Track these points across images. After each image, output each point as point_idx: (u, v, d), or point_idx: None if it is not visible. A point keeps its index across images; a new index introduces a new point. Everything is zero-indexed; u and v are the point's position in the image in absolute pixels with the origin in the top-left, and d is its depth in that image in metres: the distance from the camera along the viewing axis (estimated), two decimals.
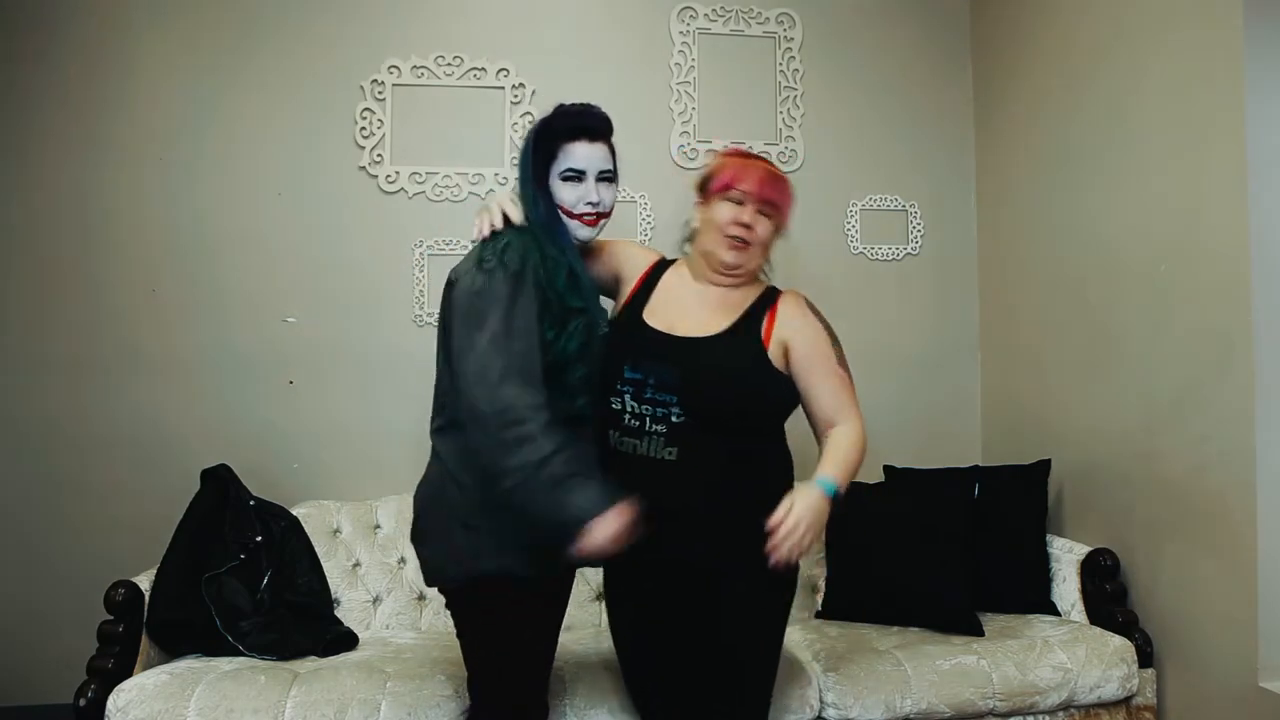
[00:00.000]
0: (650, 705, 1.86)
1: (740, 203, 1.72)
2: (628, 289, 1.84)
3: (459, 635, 1.70)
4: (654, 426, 1.66)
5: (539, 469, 1.44)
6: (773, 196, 1.73)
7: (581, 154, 1.64)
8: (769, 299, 1.78)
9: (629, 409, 1.68)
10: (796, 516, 1.54)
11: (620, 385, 1.69)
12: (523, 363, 1.49)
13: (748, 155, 1.84)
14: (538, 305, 1.54)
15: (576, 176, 1.64)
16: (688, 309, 1.76)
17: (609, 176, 1.68)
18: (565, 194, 1.64)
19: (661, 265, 1.87)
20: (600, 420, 1.70)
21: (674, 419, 1.65)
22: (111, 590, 2.19)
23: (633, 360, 1.68)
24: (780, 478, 1.75)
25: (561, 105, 1.68)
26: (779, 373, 1.72)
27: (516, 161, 1.72)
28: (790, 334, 1.73)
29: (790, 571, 1.70)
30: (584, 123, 1.66)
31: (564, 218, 1.65)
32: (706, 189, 1.78)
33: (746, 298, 1.78)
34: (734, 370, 1.69)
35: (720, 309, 1.76)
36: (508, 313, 1.50)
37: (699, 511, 1.66)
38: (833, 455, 1.69)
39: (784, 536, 1.54)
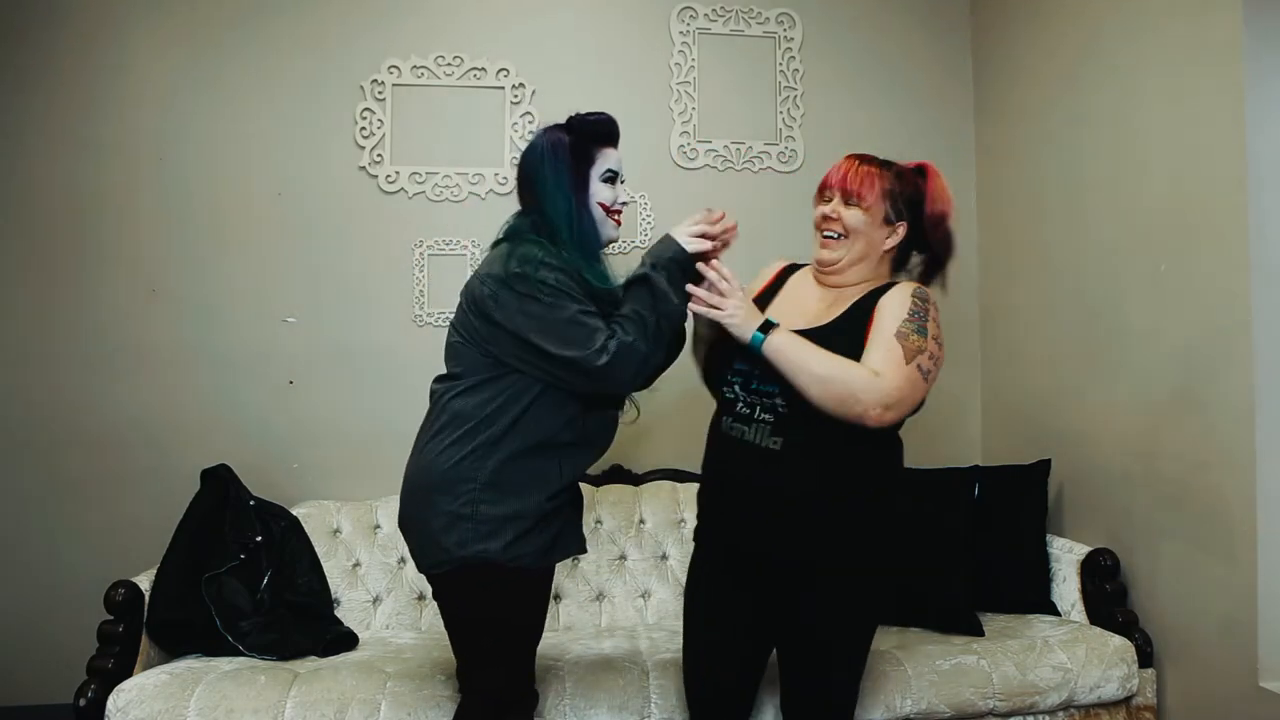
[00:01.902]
0: (711, 688, 1.86)
1: (828, 200, 1.77)
2: (751, 294, 1.85)
3: (446, 623, 1.74)
4: (762, 415, 1.69)
5: (652, 324, 1.66)
6: (851, 185, 1.74)
7: (614, 157, 1.78)
8: (883, 291, 1.72)
9: (740, 398, 1.72)
10: (730, 293, 1.65)
11: (731, 376, 1.74)
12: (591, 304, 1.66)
13: (859, 157, 1.84)
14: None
15: (614, 178, 1.78)
16: (804, 306, 1.79)
17: (623, 179, 1.83)
18: (605, 194, 1.76)
19: (790, 270, 1.92)
20: (718, 406, 1.77)
21: (780, 409, 1.67)
22: (111, 590, 2.19)
23: (740, 353, 1.71)
24: (884, 475, 1.73)
25: (583, 114, 1.78)
26: None
27: (539, 174, 1.73)
28: (880, 308, 1.68)
29: (884, 566, 1.73)
30: (612, 129, 1.79)
31: (601, 216, 1.76)
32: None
33: (861, 293, 1.75)
34: None
35: (834, 304, 1.75)
36: (570, 297, 1.64)
37: (799, 502, 1.67)
38: (809, 345, 1.64)
39: (713, 285, 1.65)
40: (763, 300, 1.85)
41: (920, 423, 3.08)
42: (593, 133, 1.76)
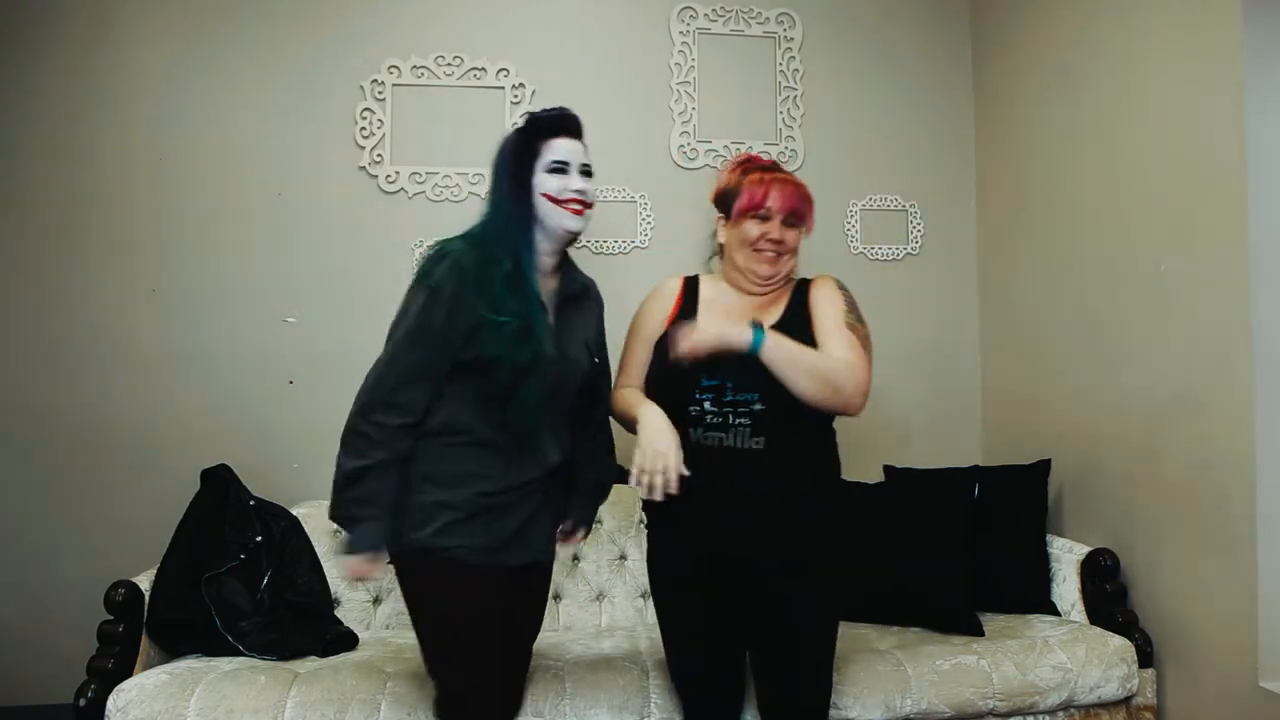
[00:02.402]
0: (704, 694, 1.87)
1: (767, 219, 1.81)
2: (664, 319, 1.88)
3: (408, 610, 1.77)
4: (737, 420, 1.71)
5: (349, 481, 1.65)
6: (798, 208, 1.82)
7: (564, 147, 1.77)
8: (805, 287, 1.86)
9: (709, 411, 1.73)
10: (716, 319, 1.68)
11: (699, 394, 1.74)
12: (413, 374, 1.67)
13: (760, 168, 1.87)
14: (464, 317, 1.66)
15: (561, 168, 1.76)
16: (738, 314, 1.79)
17: (589, 171, 1.81)
18: (551, 184, 1.75)
19: (692, 282, 1.93)
20: (679, 422, 1.74)
21: (756, 410, 1.70)
22: (111, 590, 2.19)
23: (708, 369, 1.71)
24: (838, 473, 1.86)
25: (537, 111, 1.82)
26: None
27: (492, 173, 1.81)
28: (814, 304, 1.81)
29: (859, 563, 1.85)
30: (564, 122, 1.80)
31: (550, 207, 1.74)
32: (730, 209, 1.85)
33: (785, 293, 1.87)
34: None
35: (768, 307, 1.84)
36: (416, 328, 1.66)
37: (786, 497, 1.70)
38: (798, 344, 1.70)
39: (701, 329, 1.65)
40: (686, 316, 1.84)
41: (920, 423, 3.12)
42: (539, 126, 1.78)
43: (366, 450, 1.65)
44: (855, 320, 1.78)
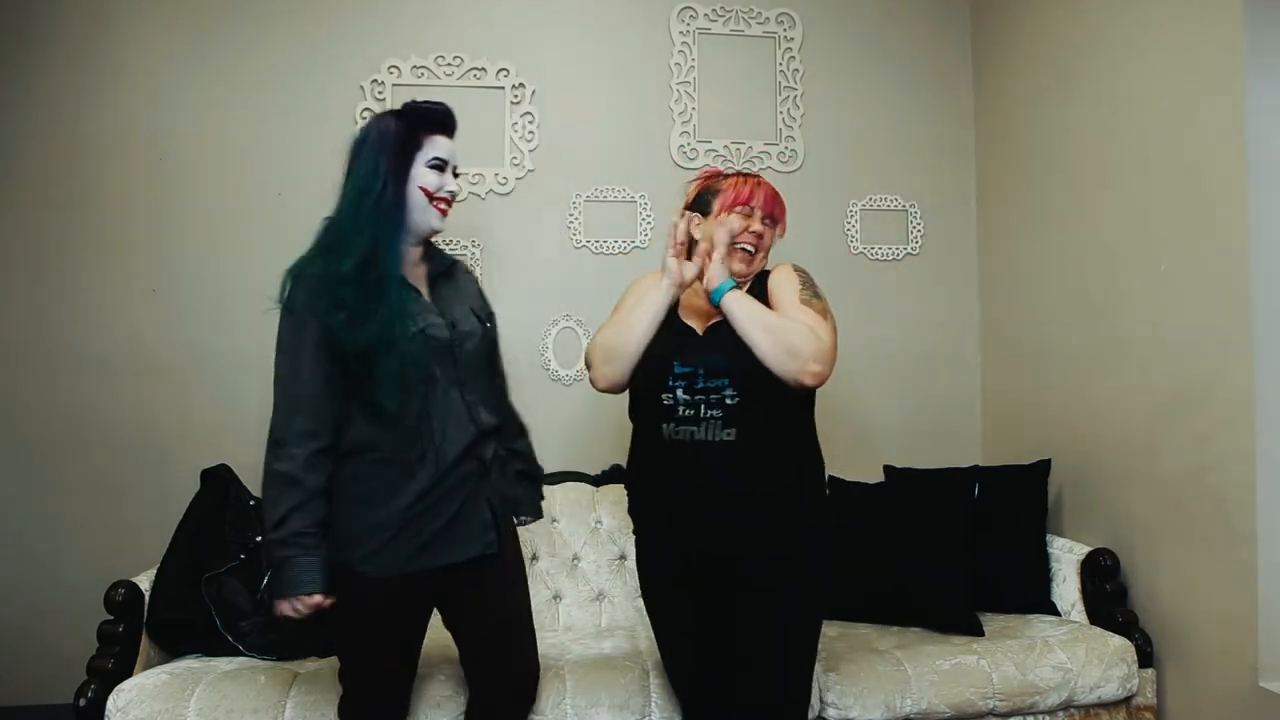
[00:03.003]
0: (699, 692, 1.87)
1: (750, 215, 1.87)
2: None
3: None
4: (709, 412, 1.72)
5: (276, 527, 1.62)
6: (775, 209, 1.90)
7: (445, 146, 1.77)
8: (764, 278, 1.90)
9: (681, 401, 1.75)
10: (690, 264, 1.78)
11: (671, 381, 1.76)
12: (308, 397, 1.64)
13: (737, 174, 1.96)
14: (320, 325, 1.63)
15: (440, 165, 1.76)
16: (703, 306, 1.85)
17: (458, 172, 1.82)
18: (430, 179, 1.74)
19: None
20: (653, 416, 1.78)
21: (728, 401, 1.71)
22: (111, 590, 2.19)
23: (679, 356, 1.76)
24: (820, 469, 1.87)
25: (417, 100, 1.80)
26: None
27: (354, 158, 1.73)
28: (773, 288, 1.85)
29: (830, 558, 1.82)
30: (448, 120, 1.79)
31: (423, 202, 1.73)
32: (708, 207, 1.91)
33: (745, 285, 1.89)
34: None
35: None
36: (291, 352, 1.65)
37: (760, 488, 1.71)
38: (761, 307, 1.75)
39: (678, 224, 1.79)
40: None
41: (920, 423, 3.12)
42: (424, 118, 1.75)
43: (285, 490, 1.61)
44: (811, 295, 1.80)
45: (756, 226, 1.87)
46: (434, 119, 1.77)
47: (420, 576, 1.69)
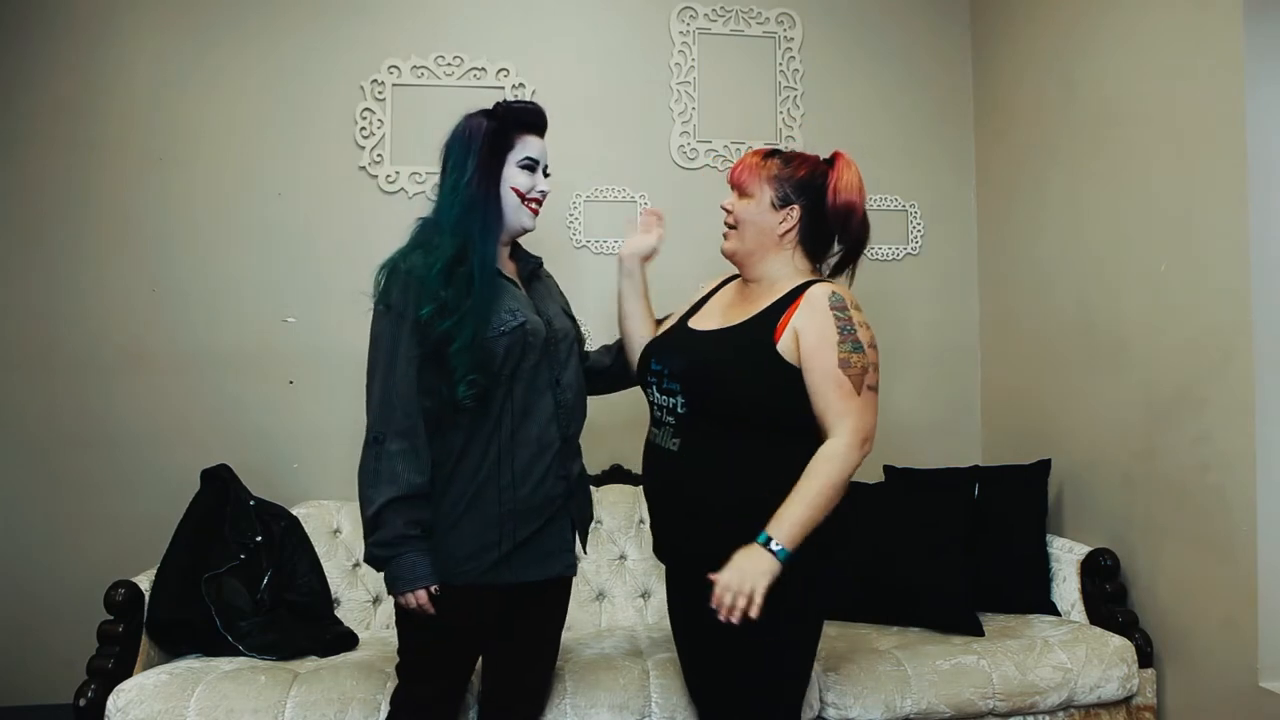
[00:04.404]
0: (697, 695, 1.89)
1: (731, 193, 1.81)
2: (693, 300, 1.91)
3: (396, 616, 1.74)
4: (668, 417, 1.70)
5: (372, 526, 1.62)
6: (738, 178, 1.77)
7: (536, 145, 1.76)
8: (798, 291, 1.67)
9: (655, 400, 1.74)
10: (728, 579, 1.51)
11: (649, 378, 1.75)
12: (404, 396, 1.62)
13: (755, 150, 1.87)
14: (415, 330, 1.62)
15: (532, 166, 1.75)
16: (723, 308, 1.79)
17: (548, 171, 1.81)
18: (522, 180, 1.74)
19: (730, 279, 1.90)
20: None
21: (680, 410, 1.67)
22: (111, 590, 2.19)
23: (658, 353, 1.75)
24: (782, 476, 1.60)
25: (509, 101, 1.79)
26: (790, 366, 1.61)
27: (448, 157, 1.74)
28: (801, 324, 1.61)
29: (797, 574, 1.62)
30: (539, 119, 1.78)
31: (516, 202, 1.73)
32: None
33: (777, 293, 1.70)
34: (728, 360, 1.64)
35: (747, 304, 1.73)
36: (390, 350, 1.64)
37: (702, 506, 1.64)
38: (792, 498, 1.55)
39: (721, 592, 1.51)
40: (694, 308, 1.86)
41: (920, 423, 3.12)
42: (516, 119, 1.74)
43: (378, 486, 1.61)
44: (850, 351, 1.59)
45: (727, 202, 1.79)
46: (525, 119, 1.75)
47: (500, 589, 1.67)
